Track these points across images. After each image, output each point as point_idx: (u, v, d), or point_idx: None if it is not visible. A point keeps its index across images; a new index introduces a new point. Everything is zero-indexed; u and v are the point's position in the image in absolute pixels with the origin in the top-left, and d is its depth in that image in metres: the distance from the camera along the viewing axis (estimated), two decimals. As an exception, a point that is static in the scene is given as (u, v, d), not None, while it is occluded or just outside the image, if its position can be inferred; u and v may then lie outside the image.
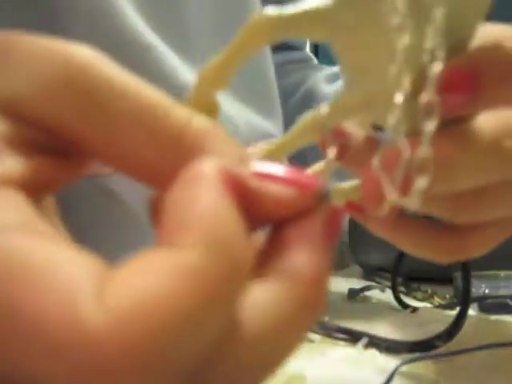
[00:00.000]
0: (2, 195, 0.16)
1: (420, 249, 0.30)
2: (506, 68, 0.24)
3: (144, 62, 0.42)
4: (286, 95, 0.66)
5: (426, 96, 0.22)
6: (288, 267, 0.17)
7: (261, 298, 0.17)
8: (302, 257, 0.17)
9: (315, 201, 0.18)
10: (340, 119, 0.26)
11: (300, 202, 0.18)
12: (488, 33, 0.26)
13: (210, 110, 0.27)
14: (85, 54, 0.17)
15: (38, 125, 0.17)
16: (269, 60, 0.58)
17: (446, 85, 0.22)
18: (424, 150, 0.21)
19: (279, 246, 0.18)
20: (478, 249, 0.30)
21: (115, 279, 0.14)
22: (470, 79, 0.23)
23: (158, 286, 0.14)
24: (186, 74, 0.45)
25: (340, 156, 0.27)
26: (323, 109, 0.25)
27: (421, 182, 0.21)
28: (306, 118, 0.26)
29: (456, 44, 0.24)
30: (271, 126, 0.56)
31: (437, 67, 0.22)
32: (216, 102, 0.27)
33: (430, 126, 0.21)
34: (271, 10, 0.25)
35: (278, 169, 0.18)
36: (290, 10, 0.25)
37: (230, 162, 0.17)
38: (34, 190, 0.17)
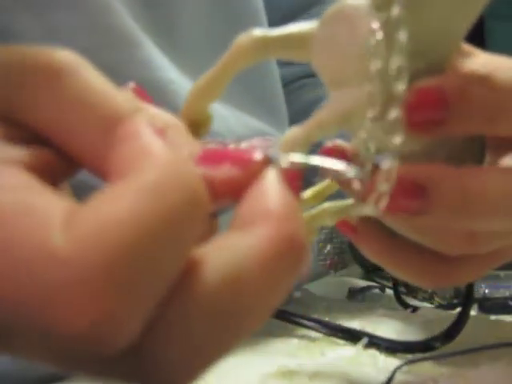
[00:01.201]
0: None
1: (406, 273, 0.30)
2: (477, 101, 0.24)
3: (130, 60, 0.42)
4: (301, 113, 0.65)
5: (393, 113, 0.22)
6: (253, 213, 0.18)
7: (232, 246, 0.17)
8: (264, 200, 0.18)
9: (262, 165, 0.19)
10: (321, 134, 0.27)
11: (248, 174, 0.19)
12: (482, 64, 0.26)
13: (202, 122, 0.29)
14: (58, 55, 0.19)
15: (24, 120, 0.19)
16: (273, 69, 0.57)
17: (414, 102, 0.23)
18: (388, 163, 0.23)
19: (243, 208, 0.18)
20: (465, 277, 0.30)
21: (80, 211, 0.16)
22: (437, 98, 0.24)
23: (118, 208, 0.15)
24: (171, 71, 0.45)
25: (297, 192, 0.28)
26: (305, 125, 0.26)
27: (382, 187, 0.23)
28: (288, 135, 0.26)
29: (429, 67, 0.25)
30: (273, 130, 0.56)
31: (401, 86, 0.23)
32: (208, 114, 0.29)
33: (397, 140, 0.23)
34: (258, 31, 0.27)
35: (219, 152, 0.19)
36: (274, 32, 0.27)
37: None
38: (38, 172, 0.18)
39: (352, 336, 0.45)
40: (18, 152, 0.18)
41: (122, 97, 0.19)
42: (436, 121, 0.24)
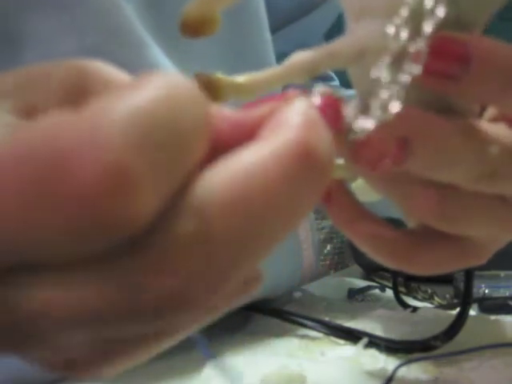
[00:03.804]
0: None
1: (369, 247, 0.29)
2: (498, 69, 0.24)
3: (138, 61, 0.42)
4: None
5: (415, 46, 0.21)
6: (271, 127, 0.16)
7: (251, 158, 0.16)
8: (289, 113, 0.17)
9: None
10: (331, 64, 0.25)
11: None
12: None
13: (208, 23, 0.26)
14: (84, 62, 0.20)
15: None
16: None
17: (436, 48, 0.23)
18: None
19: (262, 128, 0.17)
20: (427, 265, 0.29)
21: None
22: (460, 52, 0.23)
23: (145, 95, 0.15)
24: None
25: (334, 126, 0.27)
26: (315, 51, 0.24)
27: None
28: (295, 57, 0.24)
29: (459, 19, 0.24)
30: None
31: (429, 25, 0.22)
32: (217, 16, 0.26)
33: (415, 69, 0.21)
34: None
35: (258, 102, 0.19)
36: None
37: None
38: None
39: (352, 336, 0.45)
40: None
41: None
42: (452, 75, 0.23)
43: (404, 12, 0.22)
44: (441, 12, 0.22)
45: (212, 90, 0.24)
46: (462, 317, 0.42)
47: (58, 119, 0.15)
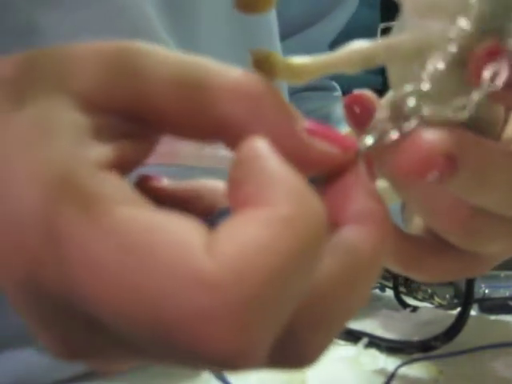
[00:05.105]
0: (105, 177, 0.18)
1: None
2: None
3: None
4: None
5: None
6: (360, 212, 0.20)
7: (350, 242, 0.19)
8: (366, 202, 0.20)
9: (354, 156, 0.21)
10: (388, 57, 0.24)
11: (341, 158, 0.21)
12: None
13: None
14: (130, 43, 0.21)
15: (111, 110, 0.19)
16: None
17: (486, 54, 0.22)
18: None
19: (337, 197, 0.21)
20: (431, 273, 0.29)
21: (219, 234, 0.16)
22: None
23: (258, 236, 0.16)
24: None
25: (359, 124, 0.26)
26: (373, 43, 0.24)
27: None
28: (353, 46, 0.24)
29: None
30: None
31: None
32: None
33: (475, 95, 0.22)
34: None
35: (325, 128, 0.21)
36: None
37: (284, 120, 0.20)
38: (120, 170, 0.19)
39: (352, 336, 0.45)
40: (107, 150, 0.18)
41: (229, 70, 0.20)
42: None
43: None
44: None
45: (266, 67, 0.24)
46: (462, 317, 0.42)
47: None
